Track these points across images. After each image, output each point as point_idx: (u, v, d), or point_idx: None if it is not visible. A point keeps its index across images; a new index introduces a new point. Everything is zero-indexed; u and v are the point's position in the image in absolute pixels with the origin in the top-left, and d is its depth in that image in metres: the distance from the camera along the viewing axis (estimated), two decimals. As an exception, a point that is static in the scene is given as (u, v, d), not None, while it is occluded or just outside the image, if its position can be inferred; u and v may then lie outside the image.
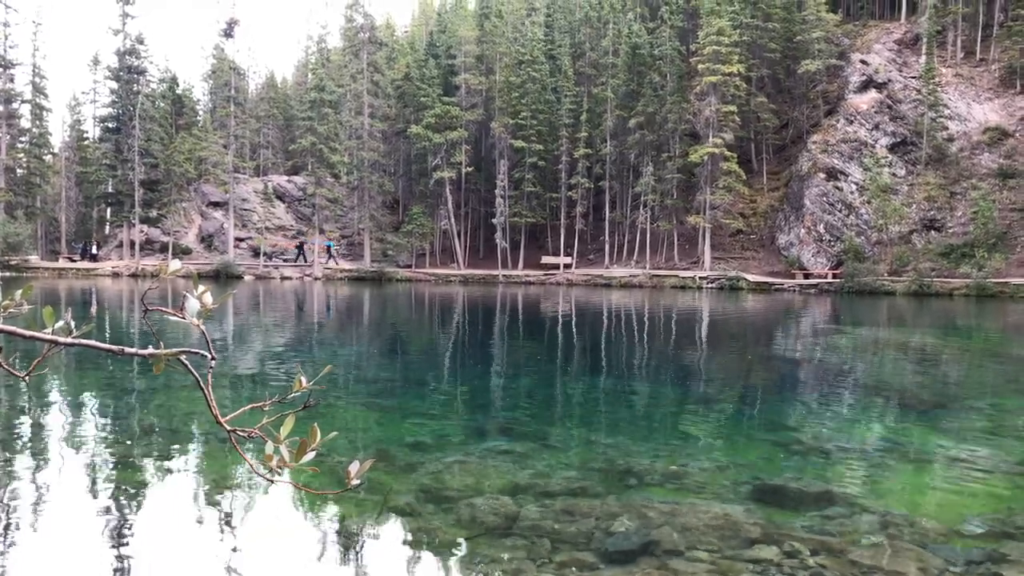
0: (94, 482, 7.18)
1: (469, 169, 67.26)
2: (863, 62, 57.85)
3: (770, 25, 61.78)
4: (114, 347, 1.79)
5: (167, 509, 6.50)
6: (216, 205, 69.00)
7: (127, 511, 6.32)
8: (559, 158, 63.19)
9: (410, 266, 64.12)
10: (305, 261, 61.95)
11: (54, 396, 11.45)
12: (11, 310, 1.74)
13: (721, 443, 9.07)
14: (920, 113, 53.92)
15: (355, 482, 1.76)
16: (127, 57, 63.18)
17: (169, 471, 7.62)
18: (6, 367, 1.82)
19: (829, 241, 52.23)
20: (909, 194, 51.80)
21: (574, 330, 24.47)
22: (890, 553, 5.46)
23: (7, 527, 5.83)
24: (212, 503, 6.58)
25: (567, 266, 61.15)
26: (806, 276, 50.48)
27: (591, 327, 25.75)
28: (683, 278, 52.30)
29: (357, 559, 5.48)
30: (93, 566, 5.27)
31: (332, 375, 12.92)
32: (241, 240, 65.54)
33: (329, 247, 63.32)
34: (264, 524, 6.21)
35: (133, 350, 1.78)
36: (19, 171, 67.39)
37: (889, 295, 43.57)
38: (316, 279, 57.79)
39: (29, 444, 8.61)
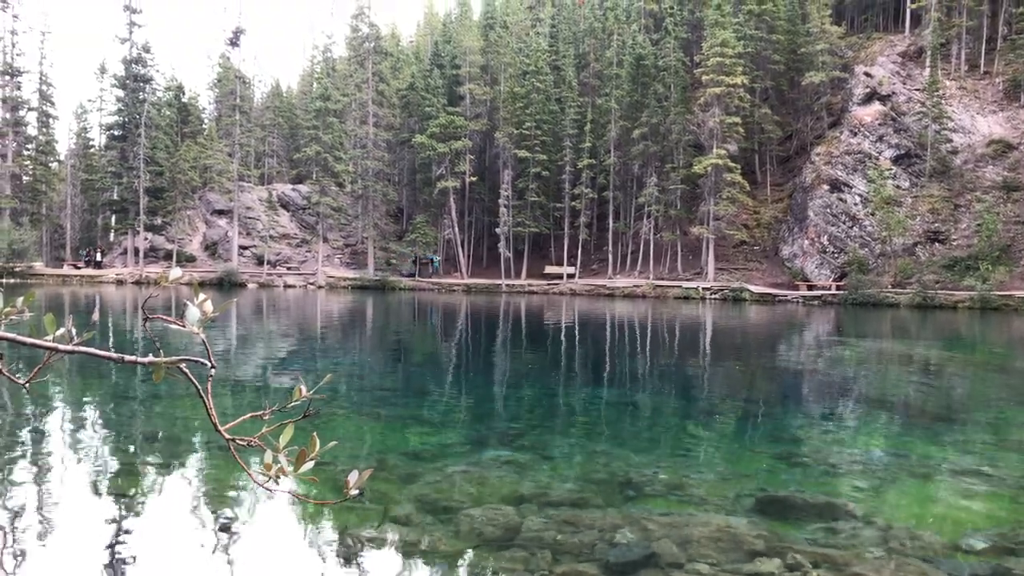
0: (95, 490, 7.17)
1: (473, 179, 67.37)
2: (867, 74, 57.92)
3: (774, 37, 61.96)
4: (114, 355, 1.79)
5: (167, 517, 6.48)
6: (220, 213, 69.19)
7: (127, 519, 6.31)
8: (563, 168, 63.30)
9: (413, 275, 64.18)
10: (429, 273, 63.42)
11: (55, 404, 11.45)
12: (12, 317, 1.74)
13: (723, 455, 9.03)
14: (924, 125, 53.94)
15: (354, 491, 1.76)
16: (133, 65, 63.58)
17: (169, 479, 7.61)
18: (7, 375, 1.82)
19: (833, 253, 52.17)
20: (913, 206, 51.74)
21: (577, 341, 24.44)
22: (893, 567, 5.42)
23: (10, 534, 5.82)
24: (211, 512, 6.56)
25: (570, 276, 61.13)
26: (809, 288, 50.39)
27: (594, 338, 25.71)
28: (686, 289, 52.25)
29: (356, 569, 5.46)
30: (95, 574, 5.25)
31: (333, 384, 12.92)
32: (245, 248, 65.69)
33: (432, 260, 64.35)
34: (263, 533, 6.19)
35: (133, 358, 1.78)
36: (25, 178, 67.79)
37: (893, 307, 43.46)
38: (319, 287, 57.85)
39: (30, 452, 8.61)
